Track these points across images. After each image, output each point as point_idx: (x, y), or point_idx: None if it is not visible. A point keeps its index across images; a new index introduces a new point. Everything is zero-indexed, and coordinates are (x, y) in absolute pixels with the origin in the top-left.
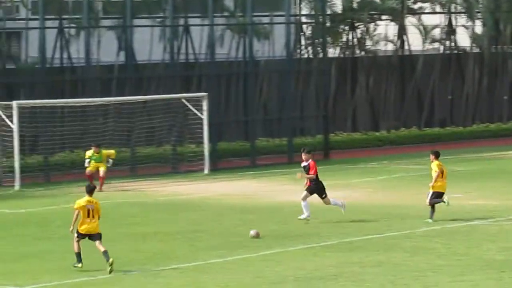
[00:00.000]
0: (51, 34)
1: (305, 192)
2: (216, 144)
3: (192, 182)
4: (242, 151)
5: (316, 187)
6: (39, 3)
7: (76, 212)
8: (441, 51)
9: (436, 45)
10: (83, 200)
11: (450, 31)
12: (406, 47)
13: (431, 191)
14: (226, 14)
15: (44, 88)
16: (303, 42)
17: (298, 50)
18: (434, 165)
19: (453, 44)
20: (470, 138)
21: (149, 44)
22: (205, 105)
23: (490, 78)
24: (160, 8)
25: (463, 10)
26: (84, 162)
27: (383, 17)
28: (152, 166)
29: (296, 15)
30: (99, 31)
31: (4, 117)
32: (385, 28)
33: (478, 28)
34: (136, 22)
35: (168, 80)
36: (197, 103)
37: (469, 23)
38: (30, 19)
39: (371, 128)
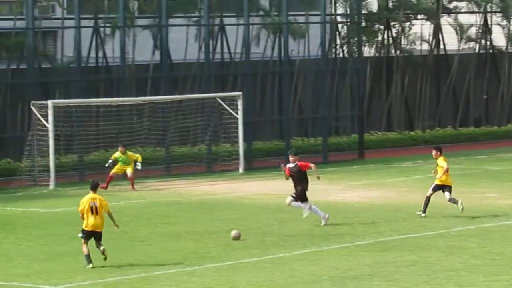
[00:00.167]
0: (86, 34)
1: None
2: (251, 144)
3: (227, 182)
4: (277, 151)
5: (303, 192)
6: (75, 3)
7: (81, 214)
8: (477, 51)
9: (472, 44)
10: (86, 199)
11: (485, 30)
12: (441, 46)
13: (435, 183)
14: (261, 13)
15: (79, 87)
16: (338, 41)
17: (333, 50)
18: (441, 160)
19: (488, 43)
20: (505, 137)
21: (184, 43)
22: (240, 104)
23: None
24: (195, 8)
25: (498, 10)
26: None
27: (419, 16)
28: (186, 166)
29: (331, 15)
30: (135, 31)
31: (39, 116)
32: (421, 27)
33: None
34: (172, 21)
35: (203, 80)
36: (232, 102)
37: (505, 23)
38: (66, 19)
39: (405, 128)
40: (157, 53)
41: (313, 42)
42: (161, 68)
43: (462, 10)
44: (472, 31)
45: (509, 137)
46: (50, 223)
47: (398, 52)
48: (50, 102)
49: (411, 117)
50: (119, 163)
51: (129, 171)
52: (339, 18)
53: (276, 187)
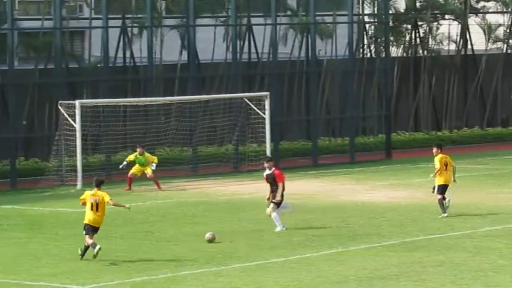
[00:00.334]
0: (114, 34)
1: (272, 205)
2: (278, 144)
3: (254, 182)
4: (304, 151)
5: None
6: (102, 3)
7: (81, 202)
8: (504, 51)
9: (499, 44)
10: (89, 193)
11: None
12: (468, 46)
13: (436, 184)
14: (289, 13)
15: (106, 87)
16: (365, 41)
17: (361, 50)
18: (437, 160)
19: None
20: None
21: (211, 43)
22: (267, 104)
23: None
24: (223, 8)
25: None
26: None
27: (446, 16)
28: (213, 166)
29: (359, 15)
30: (162, 31)
31: (67, 116)
32: (448, 27)
33: None
34: (199, 21)
35: (230, 80)
36: (259, 102)
37: None
38: (93, 19)
39: (433, 128)
40: (185, 53)
41: (341, 42)
42: (189, 68)
43: (490, 10)
44: (500, 31)
45: None
46: (77, 223)
47: (425, 52)
48: (77, 102)
49: (438, 117)
50: (137, 164)
51: (148, 172)
52: (366, 18)
53: (303, 187)
